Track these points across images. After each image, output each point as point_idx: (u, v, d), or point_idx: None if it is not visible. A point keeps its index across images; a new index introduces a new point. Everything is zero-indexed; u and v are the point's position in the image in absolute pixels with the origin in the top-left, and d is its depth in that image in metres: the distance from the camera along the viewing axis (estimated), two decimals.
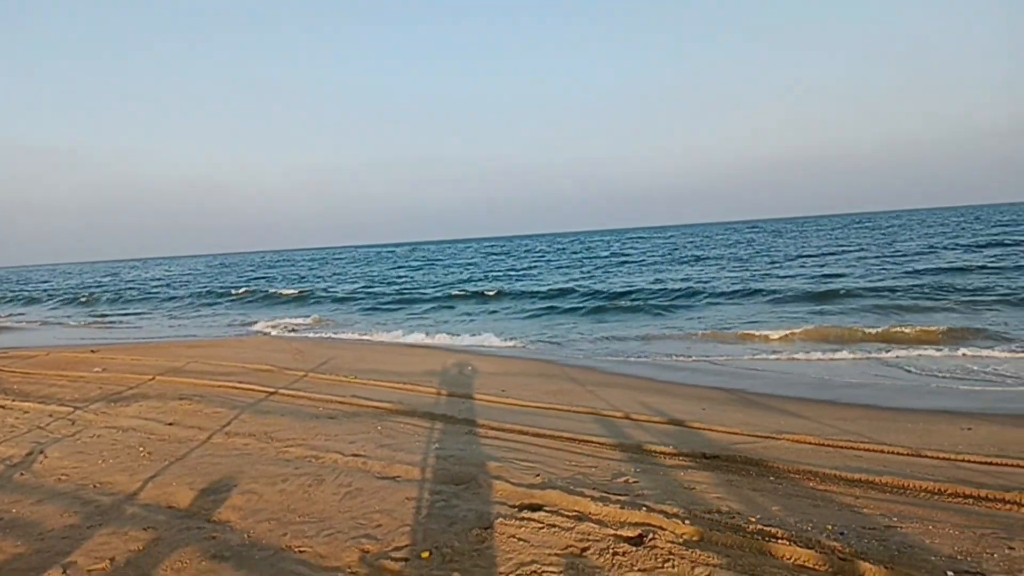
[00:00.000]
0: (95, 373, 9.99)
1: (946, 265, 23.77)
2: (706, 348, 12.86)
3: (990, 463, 4.91)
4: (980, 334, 11.59)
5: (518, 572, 3.22)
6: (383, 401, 7.58)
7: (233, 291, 35.99)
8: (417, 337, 16.51)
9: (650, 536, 3.52)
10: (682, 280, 26.61)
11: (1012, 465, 4.83)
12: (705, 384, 8.99)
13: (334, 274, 49.32)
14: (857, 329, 12.80)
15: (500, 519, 3.82)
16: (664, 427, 6.41)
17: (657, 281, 26.72)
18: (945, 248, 32.63)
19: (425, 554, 3.44)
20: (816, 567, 3.17)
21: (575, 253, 56.39)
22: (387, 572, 3.31)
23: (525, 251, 67.93)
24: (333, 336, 17.68)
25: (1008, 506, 4.01)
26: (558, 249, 66.28)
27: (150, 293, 39.18)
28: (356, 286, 35.76)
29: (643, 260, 41.36)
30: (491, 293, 26.96)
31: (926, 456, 5.13)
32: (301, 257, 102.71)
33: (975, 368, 9.27)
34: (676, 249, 51.42)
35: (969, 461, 4.97)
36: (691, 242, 61.94)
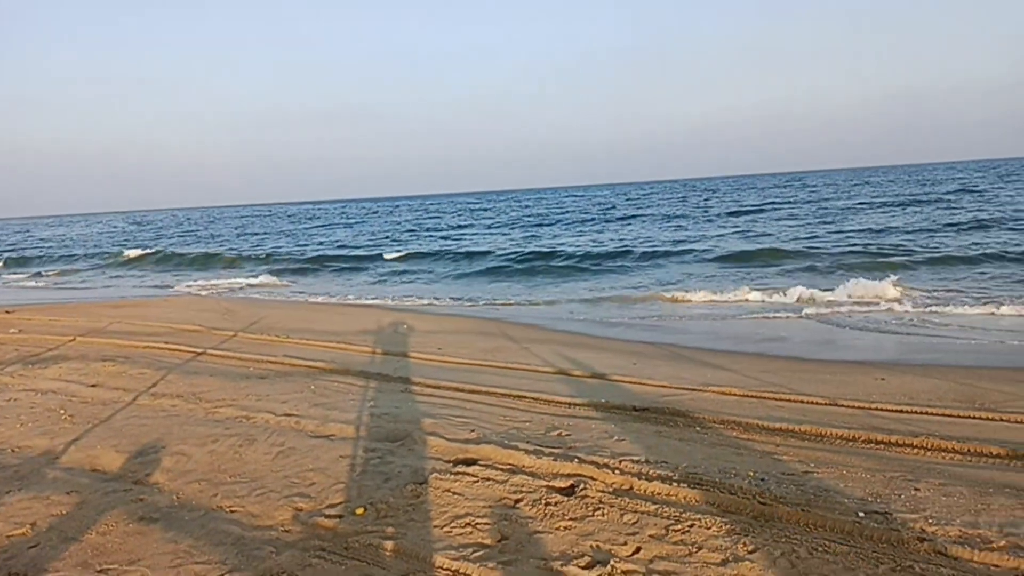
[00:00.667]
0: (10, 335, 9.52)
1: (873, 226, 24.72)
2: (639, 305, 13.13)
3: (900, 411, 5.19)
4: (895, 289, 12.15)
5: (452, 525, 3.27)
6: (316, 360, 7.48)
7: (151, 249, 34.64)
8: (351, 296, 16.30)
9: (581, 486, 3.61)
10: (617, 239, 26.96)
11: (920, 412, 5.13)
12: (638, 339, 9.20)
13: (261, 233, 47.98)
14: (781, 288, 13.23)
15: (435, 474, 3.86)
16: (597, 382, 6.54)
17: (594, 241, 26.97)
18: (870, 207, 34.00)
19: (360, 510, 3.45)
20: (739, 512, 3.32)
21: (512, 212, 56.31)
22: (321, 529, 3.31)
23: (459, 210, 67.38)
24: (264, 296, 17.28)
25: (915, 451, 4.27)
26: (493, 208, 65.95)
27: (62, 252, 37.37)
28: (286, 247, 34.89)
29: (578, 219, 41.62)
30: (424, 252, 26.72)
31: (842, 405, 5.39)
32: (229, 215, 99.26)
33: (891, 321, 9.75)
34: (612, 208, 51.93)
35: (881, 410, 5.25)
36: (629, 201, 62.61)
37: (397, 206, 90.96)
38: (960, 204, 31.56)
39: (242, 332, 9.72)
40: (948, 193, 39.63)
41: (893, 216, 28.06)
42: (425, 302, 14.89)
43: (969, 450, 4.18)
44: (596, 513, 3.31)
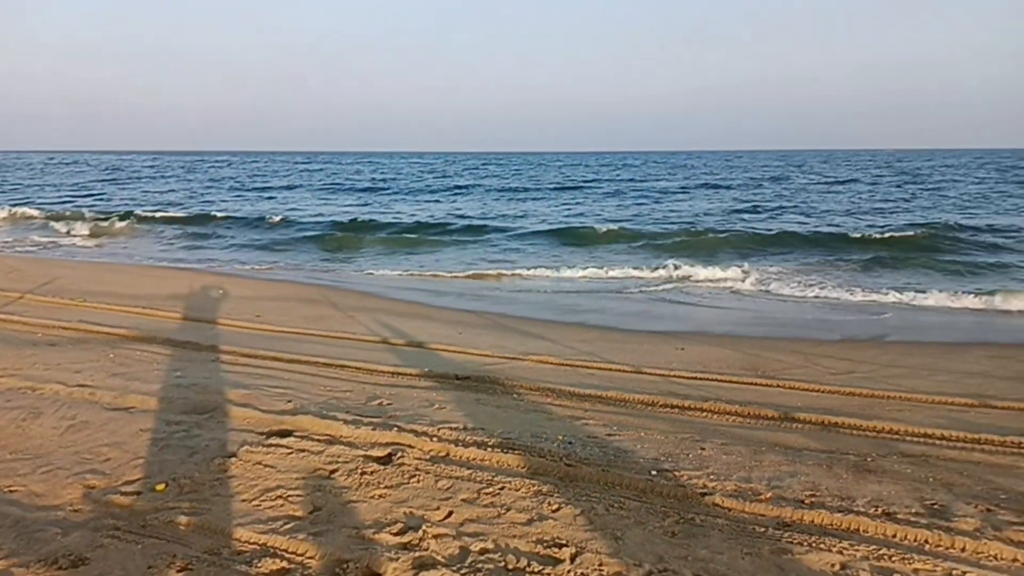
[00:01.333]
0: None
1: (710, 207, 26.67)
2: (470, 277, 13.32)
3: (695, 377, 5.73)
4: (712, 264, 13.33)
5: (262, 498, 3.17)
6: (117, 327, 6.88)
7: None
8: (168, 258, 15.10)
9: (399, 454, 3.65)
10: (454, 209, 27.04)
11: (712, 379, 5.69)
12: (466, 308, 9.35)
13: (57, 184, 42.93)
14: (611, 266, 14.01)
15: (246, 447, 3.72)
16: (421, 351, 6.59)
17: (425, 211, 26.84)
18: (697, 187, 36.71)
19: (160, 486, 3.25)
20: (547, 474, 3.51)
21: (350, 176, 54.39)
22: (115, 507, 3.09)
23: (288, 170, 64.12)
24: (61, 256, 15.54)
25: (704, 414, 4.73)
26: (326, 170, 63.45)
27: None
28: (91, 200, 31.47)
29: (411, 187, 41.14)
30: (241, 217, 24.95)
31: (645, 373, 5.85)
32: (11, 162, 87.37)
33: (705, 295, 10.68)
34: (446, 176, 51.93)
35: (679, 377, 5.76)
36: (467, 170, 62.85)
37: (218, 162, 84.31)
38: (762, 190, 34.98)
39: (30, 294, 8.71)
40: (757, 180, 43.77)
41: (709, 199, 30.52)
42: (248, 267, 14.11)
43: (749, 413, 4.70)
44: (412, 480, 3.36)
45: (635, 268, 13.54)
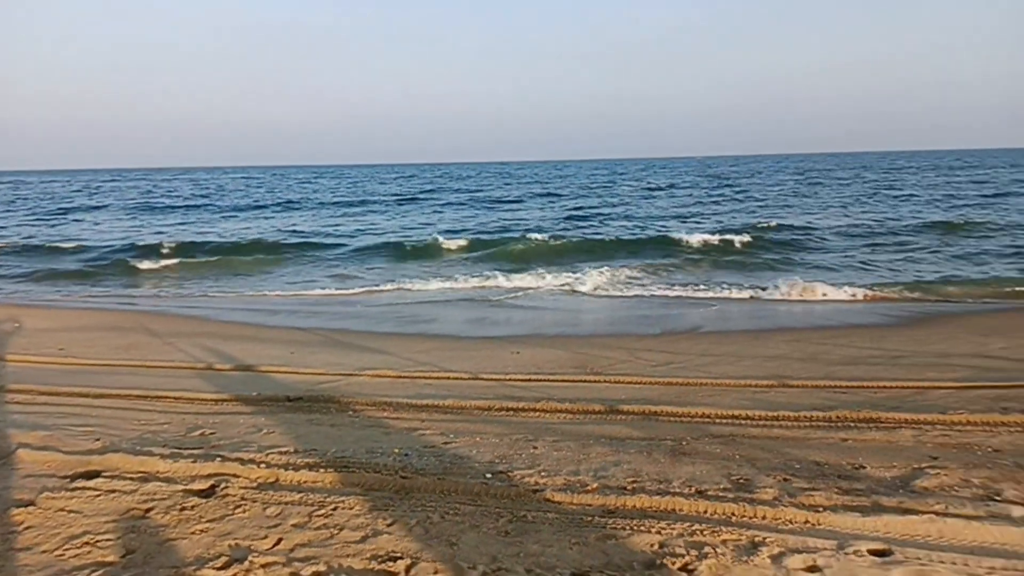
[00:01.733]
0: None
1: (544, 214, 27.40)
2: (304, 294, 12.90)
3: (529, 379, 5.91)
4: (548, 269, 13.81)
5: (66, 547, 2.89)
6: None
7: None
8: None
9: (222, 486, 3.46)
10: (288, 225, 26.02)
11: (545, 380, 5.90)
12: (301, 326, 9.04)
13: None
14: (451, 277, 14.11)
15: (46, 493, 3.36)
16: (249, 374, 6.29)
17: (254, 227, 25.64)
18: (533, 196, 37.76)
19: None
20: (382, 488, 3.47)
21: (168, 193, 50.68)
22: None
23: (95, 190, 58.67)
24: None
25: (538, 414, 4.89)
26: (136, 188, 58.72)
27: None
28: None
29: (240, 204, 39.15)
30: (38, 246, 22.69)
31: (482, 379, 5.95)
32: None
33: (546, 299, 11.02)
34: (275, 191, 49.90)
35: (514, 380, 5.92)
36: (299, 183, 60.69)
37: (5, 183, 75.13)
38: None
39: None
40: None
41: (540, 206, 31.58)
42: (50, 297, 12.75)
43: (578, 409, 4.92)
44: (237, 511, 3.20)
45: (475, 277, 13.76)
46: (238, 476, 3.59)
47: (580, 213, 27.72)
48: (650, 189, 43.38)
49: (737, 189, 40.76)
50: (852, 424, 4.44)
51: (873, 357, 6.57)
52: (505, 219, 26.53)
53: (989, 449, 3.88)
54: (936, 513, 3.04)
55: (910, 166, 67.45)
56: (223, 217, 30.81)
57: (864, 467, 3.64)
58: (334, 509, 3.22)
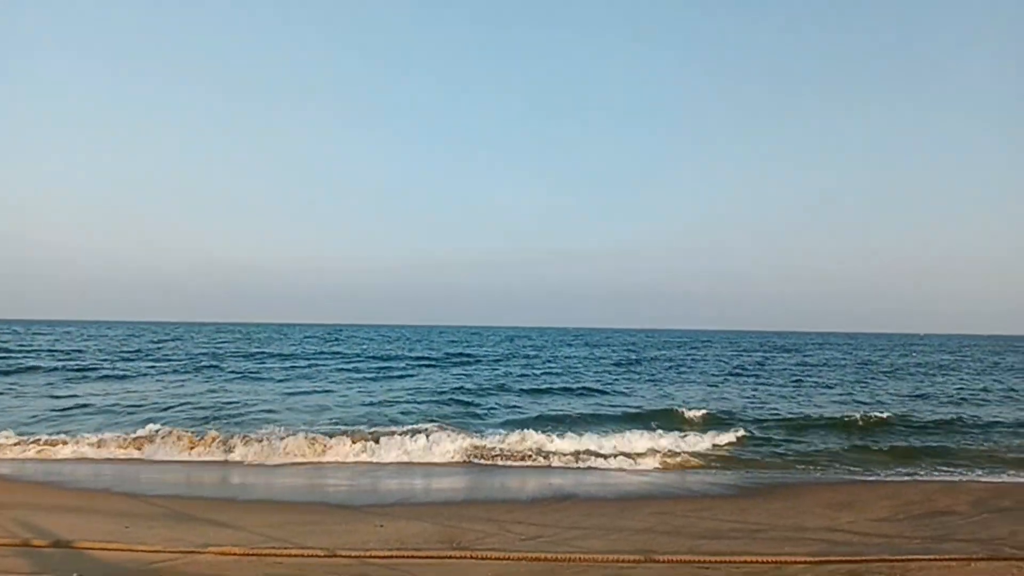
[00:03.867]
0: None
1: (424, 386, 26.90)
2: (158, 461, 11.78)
3: (391, 556, 5.52)
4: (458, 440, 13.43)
5: None
6: None
7: None
8: None
9: None
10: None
11: (408, 555, 5.53)
12: (140, 493, 8.14)
13: None
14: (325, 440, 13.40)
15: None
16: (69, 552, 5.49)
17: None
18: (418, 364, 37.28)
19: None
20: None
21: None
22: None
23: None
24: None
25: None
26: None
27: None
28: None
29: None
30: None
31: (340, 556, 5.50)
32: None
33: (407, 468, 10.58)
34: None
35: (375, 557, 5.51)
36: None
37: None
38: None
39: None
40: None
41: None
42: None
43: None
44: None
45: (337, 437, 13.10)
46: None
47: (462, 384, 27.52)
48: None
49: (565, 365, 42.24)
50: None
51: (735, 531, 6.70)
52: (393, 387, 26.00)
53: None
54: None
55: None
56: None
57: None
58: None
